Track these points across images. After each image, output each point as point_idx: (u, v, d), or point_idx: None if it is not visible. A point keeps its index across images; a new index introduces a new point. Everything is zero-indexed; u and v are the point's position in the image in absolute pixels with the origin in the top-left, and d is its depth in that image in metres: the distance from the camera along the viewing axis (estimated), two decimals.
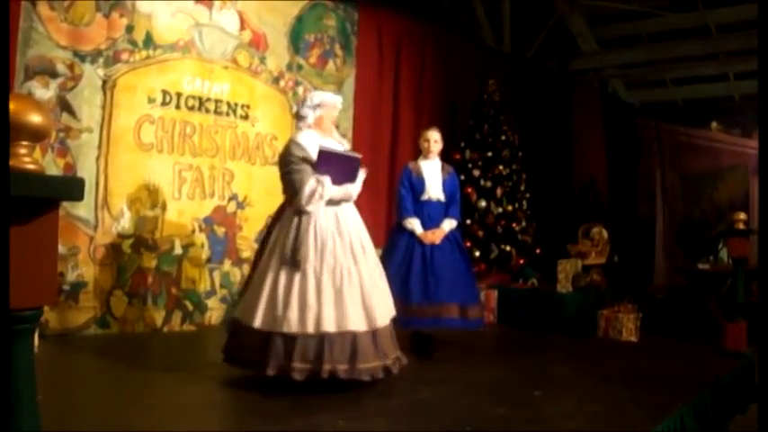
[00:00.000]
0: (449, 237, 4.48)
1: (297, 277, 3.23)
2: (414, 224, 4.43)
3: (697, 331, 5.80)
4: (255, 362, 3.23)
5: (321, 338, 3.16)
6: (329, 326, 3.17)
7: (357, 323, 3.23)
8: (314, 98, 3.59)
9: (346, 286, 3.26)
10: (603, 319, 5.46)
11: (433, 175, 4.56)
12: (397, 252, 4.36)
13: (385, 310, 3.42)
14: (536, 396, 3.37)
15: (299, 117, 3.60)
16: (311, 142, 3.42)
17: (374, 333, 3.29)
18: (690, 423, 3.18)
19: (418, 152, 4.73)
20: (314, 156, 3.33)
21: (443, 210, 4.53)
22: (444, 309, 4.28)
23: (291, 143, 3.48)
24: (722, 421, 3.74)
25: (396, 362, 3.38)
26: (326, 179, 3.31)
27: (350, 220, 3.45)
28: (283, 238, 3.34)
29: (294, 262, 3.24)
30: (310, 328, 3.15)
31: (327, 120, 3.56)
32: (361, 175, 3.53)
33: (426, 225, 4.43)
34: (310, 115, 3.54)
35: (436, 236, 4.41)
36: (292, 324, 3.15)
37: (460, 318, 4.31)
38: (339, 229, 3.37)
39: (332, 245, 3.31)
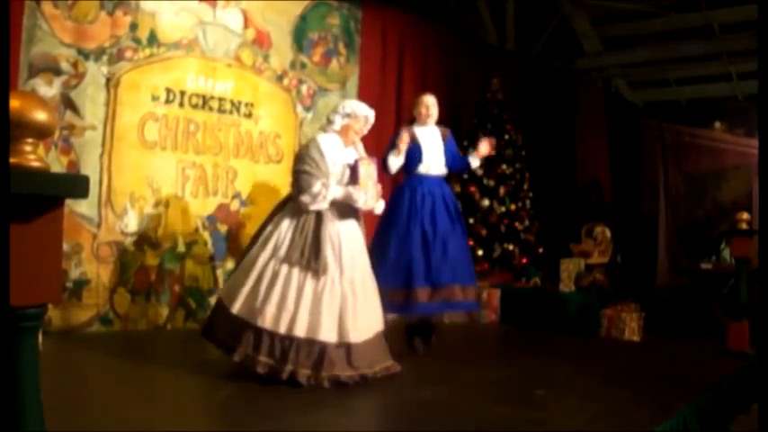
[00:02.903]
0: (448, 207, 4.17)
1: (282, 275, 3.31)
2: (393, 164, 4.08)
3: (700, 331, 5.79)
4: (227, 345, 3.37)
5: (290, 340, 3.23)
6: (300, 331, 3.23)
7: (328, 334, 3.25)
8: (345, 107, 3.66)
9: (327, 295, 3.30)
10: (606, 319, 5.45)
11: (431, 145, 4.20)
12: (399, 227, 4.02)
13: (367, 323, 3.42)
14: (539, 395, 3.37)
15: (328, 121, 3.69)
16: (331, 148, 3.53)
17: (348, 347, 3.30)
18: (692, 423, 3.18)
19: None
20: (329, 162, 3.45)
21: (443, 183, 4.22)
22: (449, 291, 4.05)
23: (312, 143, 3.58)
24: (725, 421, 3.73)
25: (380, 372, 3.40)
26: (331, 182, 3.42)
27: (349, 230, 3.51)
28: (293, 236, 3.39)
29: (309, 265, 3.32)
30: (282, 329, 3.24)
31: (352, 131, 3.63)
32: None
33: (426, 199, 4.11)
34: (338, 122, 3.63)
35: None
36: (266, 319, 3.25)
37: (463, 300, 4.10)
38: (332, 237, 3.42)
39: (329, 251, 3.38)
